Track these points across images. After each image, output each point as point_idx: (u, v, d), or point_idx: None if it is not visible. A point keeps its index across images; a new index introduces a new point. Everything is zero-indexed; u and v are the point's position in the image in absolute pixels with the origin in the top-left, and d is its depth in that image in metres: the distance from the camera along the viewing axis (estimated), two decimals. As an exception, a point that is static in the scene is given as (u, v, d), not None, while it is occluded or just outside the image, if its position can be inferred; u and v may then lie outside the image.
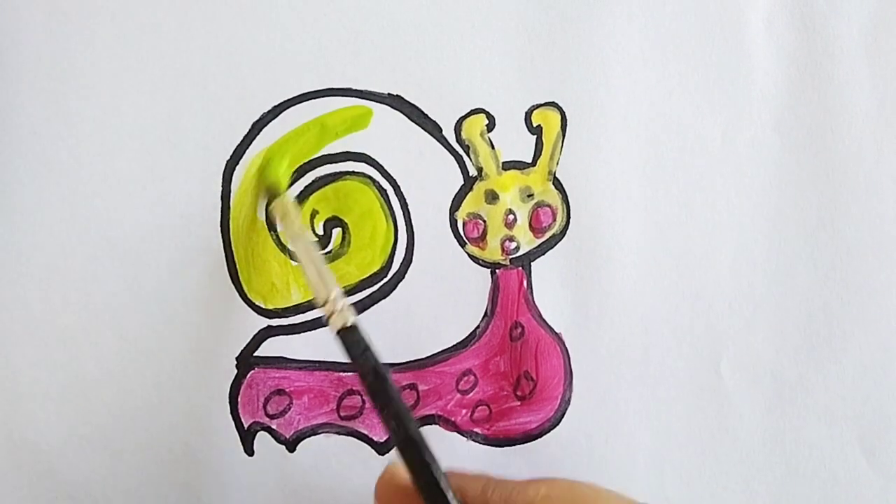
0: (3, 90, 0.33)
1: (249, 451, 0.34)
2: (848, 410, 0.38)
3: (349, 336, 0.31)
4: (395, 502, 0.30)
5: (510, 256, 0.36)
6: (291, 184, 0.34)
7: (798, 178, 0.37)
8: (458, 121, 0.35)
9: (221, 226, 0.34)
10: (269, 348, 0.34)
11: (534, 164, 0.36)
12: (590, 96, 0.36)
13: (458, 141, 0.35)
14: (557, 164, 0.36)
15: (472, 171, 0.36)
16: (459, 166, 0.35)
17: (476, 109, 0.35)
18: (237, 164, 0.34)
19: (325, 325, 0.34)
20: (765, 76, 0.37)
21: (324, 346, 0.35)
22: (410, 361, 0.35)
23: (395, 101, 0.35)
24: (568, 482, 0.30)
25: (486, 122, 0.35)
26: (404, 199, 0.35)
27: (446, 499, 0.27)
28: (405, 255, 0.35)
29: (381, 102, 0.34)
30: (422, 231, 0.35)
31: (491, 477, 0.30)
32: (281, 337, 0.34)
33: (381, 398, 0.29)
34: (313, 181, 0.34)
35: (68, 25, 0.33)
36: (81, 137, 0.33)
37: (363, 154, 0.35)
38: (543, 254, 0.36)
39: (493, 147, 0.35)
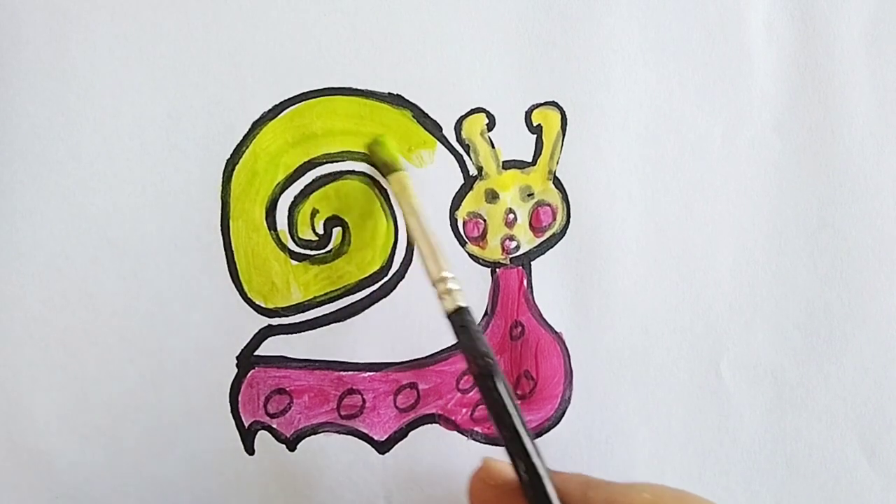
0: (3, 90, 0.33)
1: (250, 451, 0.34)
2: (848, 411, 0.38)
3: (460, 318, 0.30)
4: (490, 499, 0.29)
5: (510, 256, 0.36)
6: (291, 183, 0.34)
7: (798, 178, 0.37)
8: (458, 120, 0.35)
9: (221, 226, 0.34)
10: (269, 347, 0.34)
11: (534, 163, 0.36)
12: (590, 96, 0.36)
13: (458, 140, 0.35)
14: (557, 163, 0.36)
15: (473, 171, 0.36)
16: (459, 165, 0.35)
17: (476, 109, 0.35)
18: (237, 163, 0.34)
19: (328, 324, 0.35)
20: (765, 76, 0.37)
21: (324, 345, 0.35)
22: (410, 360, 0.35)
23: (396, 101, 0.35)
24: (671, 489, 0.29)
25: (487, 121, 0.35)
26: (405, 199, 0.35)
27: (549, 499, 0.27)
28: (405, 254, 0.35)
29: (381, 101, 0.35)
30: (422, 230, 0.35)
31: (590, 477, 0.29)
32: (281, 336, 0.34)
33: (490, 388, 0.28)
34: (314, 180, 0.34)
35: (68, 25, 0.33)
36: (81, 137, 0.33)
37: (364, 153, 0.35)
38: (543, 253, 0.36)
39: (493, 146, 0.36)
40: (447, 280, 0.31)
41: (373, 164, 0.34)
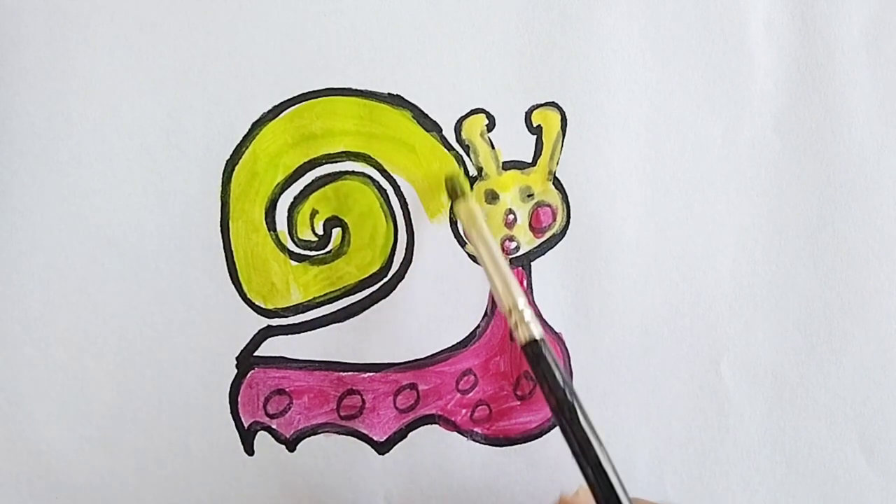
0: (3, 90, 0.33)
1: (249, 451, 0.34)
2: (848, 410, 0.38)
3: (536, 349, 0.30)
4: None
5: (510, 256, 0.36)
6: (291, 184, 0.34)
7: (798, 179, 0.37)
8: (458, 121, 0.35)
9: (221, 226, 0.34)
10: (268, 348, 0.34)
11: (534, 163, 0.36)
12: (590, 96, 0.36)
13: (458, 141, 0.35)
14: (557, 163, 0.36)
15: (473, 171, 0.36)
16: (459, 166, 0.35)
17: (476, 109, 0.35)
18: (237, 163, 0.34)
19: (327, 325, 0.35)
20: (765, 76, 0.37)
21: (324, 345, 0.35)
22: (410, 361, 0.35)
23: (395, 101, 0.35)
24: None
25: (486, 121, 0.35)
26: (404, 199, 0.35)
27: None
28: (405, 254, 0.35)
29: (380, 102, 0.35)
30: (421, 231, 0.35)
31: None
32: (281, 337, 0.34)
33: (570, 421, 0.28)
34: (313, 181, 0.34)
35: (68, 25, 0.33)
36: (81, 137, 0.33)
37: (363, 154, 0.35)
38: (543, 254, 0.36)
39: (493, 147, 0.36)
40: (523, 310, 0.31)
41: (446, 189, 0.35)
